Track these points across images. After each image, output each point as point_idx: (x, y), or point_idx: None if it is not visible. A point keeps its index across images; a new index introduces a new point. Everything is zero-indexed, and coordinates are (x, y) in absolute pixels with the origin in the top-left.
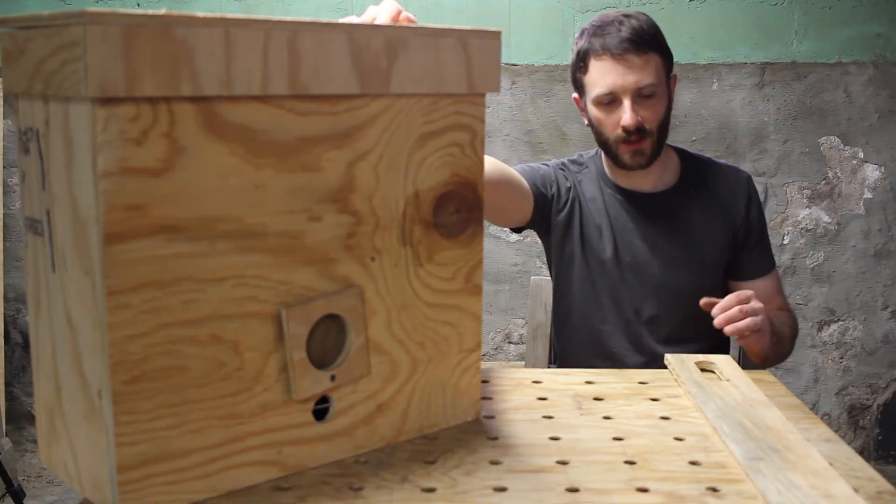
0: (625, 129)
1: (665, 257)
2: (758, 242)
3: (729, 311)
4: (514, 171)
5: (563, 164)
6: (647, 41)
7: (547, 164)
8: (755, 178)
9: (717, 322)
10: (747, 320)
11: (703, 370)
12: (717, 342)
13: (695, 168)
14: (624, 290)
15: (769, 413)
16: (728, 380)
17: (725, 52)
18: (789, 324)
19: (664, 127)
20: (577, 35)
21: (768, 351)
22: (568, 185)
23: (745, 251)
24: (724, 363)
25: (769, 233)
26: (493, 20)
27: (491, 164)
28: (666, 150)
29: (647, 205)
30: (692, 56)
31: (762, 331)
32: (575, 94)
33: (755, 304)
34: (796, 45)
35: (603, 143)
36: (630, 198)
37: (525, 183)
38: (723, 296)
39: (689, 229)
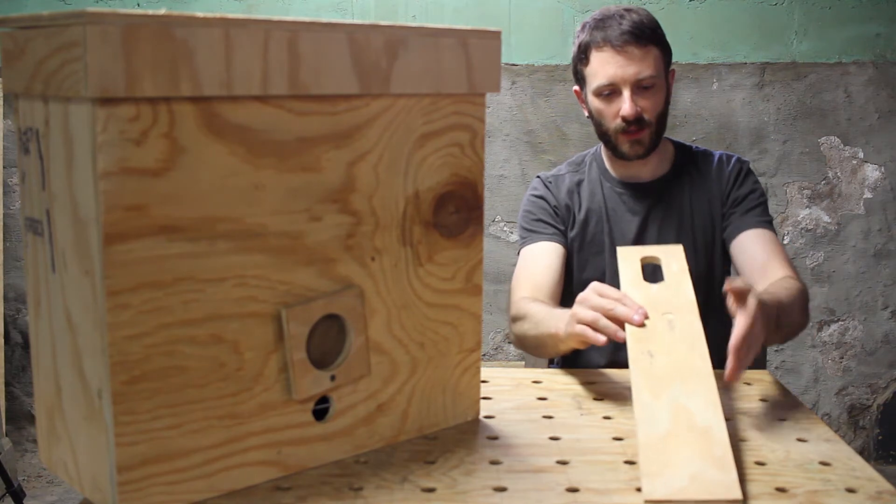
0: (624, 119)
1: (657, 242)
2: (744, 199)
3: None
4: (551, 255)
5: (549, 179)
6: (647, 34)
7: (541, 197)
8: None
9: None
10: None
11: (647, 264)
12: (717, 327)
13: (688, 157)
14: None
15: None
16: (665, 278)
17: (725, 52)
18: (792, 290)
19: (662, 118)
20: (578, 29)
21: (774, 339)
22: (554, 202)
23: (730, 212)
24: (669, 255)
25: None
26: (493, 20)
27: (544, 283)
28: (663, 142)
29: (642, 193)
30: (692, 56)
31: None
32: (576, 87)
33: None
34: (796, 45)
35: (603, 133)
36: (627, 188)
37: (559, 246)
38: (720, 282)
39: (680, 214)
